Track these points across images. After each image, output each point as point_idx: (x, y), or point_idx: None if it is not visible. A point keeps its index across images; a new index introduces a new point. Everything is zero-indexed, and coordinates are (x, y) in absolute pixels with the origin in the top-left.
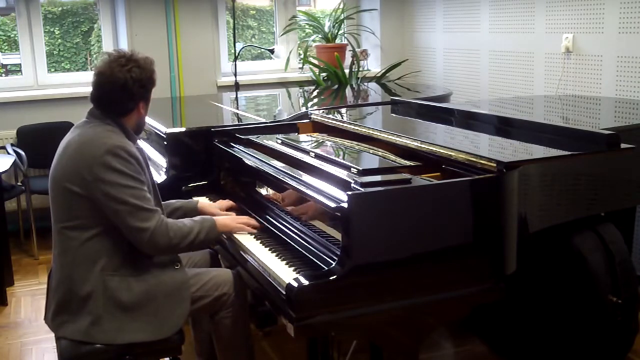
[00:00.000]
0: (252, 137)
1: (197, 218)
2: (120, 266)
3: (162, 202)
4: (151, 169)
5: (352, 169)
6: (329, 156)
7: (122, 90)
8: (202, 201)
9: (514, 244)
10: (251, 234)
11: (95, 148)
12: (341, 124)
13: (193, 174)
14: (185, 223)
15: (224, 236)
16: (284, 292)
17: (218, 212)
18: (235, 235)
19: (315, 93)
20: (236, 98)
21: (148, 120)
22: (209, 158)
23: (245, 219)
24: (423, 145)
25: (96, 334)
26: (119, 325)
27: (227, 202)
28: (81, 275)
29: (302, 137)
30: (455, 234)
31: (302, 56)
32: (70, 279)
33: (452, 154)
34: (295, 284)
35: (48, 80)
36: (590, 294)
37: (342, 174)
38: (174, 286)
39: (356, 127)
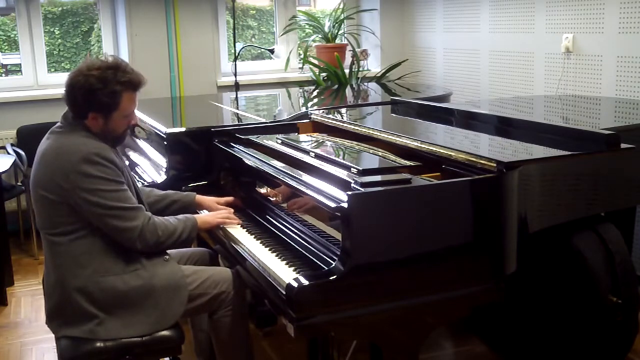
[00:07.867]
0: (252, 137)
1: (181, 217)
2: (112, 266)
3: (162, 192)
4: (151, 168)
5: (352, 169)
6: (329, 156)
7: (70, 91)
8: (200, 196)
9: (514, 244)
10: (250, 233)
11: (70, 155)
12: (341, 124)
13: (193, 174)
14: (171, 221)
15: (221, 233)
16: (284, 292)
17: (215, 206)
18: (235, 235)
19: (315, 93)
20: (236, 98)
21: (148, 120)
22: (209, 158)
23: (224, 213)
24: (423, 145)
25: (100, 333)
26: (121, 323)
27: (226, 198)
28: (74, 278)
29: (302, 137)
30: (455, 234)
31: (302, 56)
32: (63, 282)
33: (452, 154)
34: (295, 284)
35: (48, 80)
36: (590, 294)
37: (342, 174)
38: (168, 277)
39: (356, 127)
